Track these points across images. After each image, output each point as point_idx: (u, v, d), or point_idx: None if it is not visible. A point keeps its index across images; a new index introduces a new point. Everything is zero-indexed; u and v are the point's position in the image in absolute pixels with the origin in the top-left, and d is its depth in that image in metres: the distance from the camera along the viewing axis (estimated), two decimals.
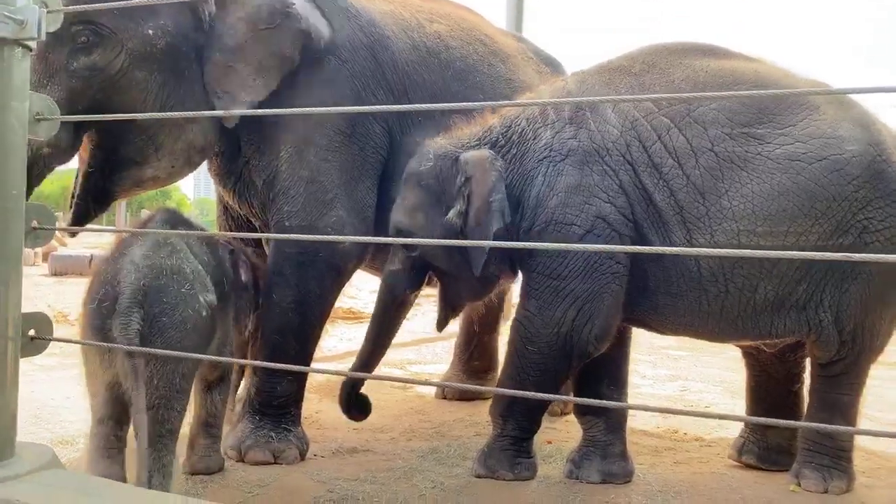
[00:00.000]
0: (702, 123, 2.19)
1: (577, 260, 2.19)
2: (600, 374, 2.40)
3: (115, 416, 1.91)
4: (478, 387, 2.78)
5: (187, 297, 1.87)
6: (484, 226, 2.24)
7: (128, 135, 2.31)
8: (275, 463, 2.37)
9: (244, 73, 2.41)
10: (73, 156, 2.29)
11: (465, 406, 3.37)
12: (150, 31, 2.26)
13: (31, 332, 1.34)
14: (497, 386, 2.46)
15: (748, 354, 2.61)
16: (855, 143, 2.14)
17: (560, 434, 2.96)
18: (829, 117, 2.18)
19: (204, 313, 1.90)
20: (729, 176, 2.14)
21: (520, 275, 2.43)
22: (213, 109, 2.40)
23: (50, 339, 1.41)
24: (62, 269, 7.52)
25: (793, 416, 2.50)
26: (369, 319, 2.55)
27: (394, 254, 2.44)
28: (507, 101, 2.79)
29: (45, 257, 8.69)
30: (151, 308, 1.81)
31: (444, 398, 3.52)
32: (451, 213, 2.30)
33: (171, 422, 1.86)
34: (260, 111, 2.36)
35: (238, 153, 2.60)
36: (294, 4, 2.45)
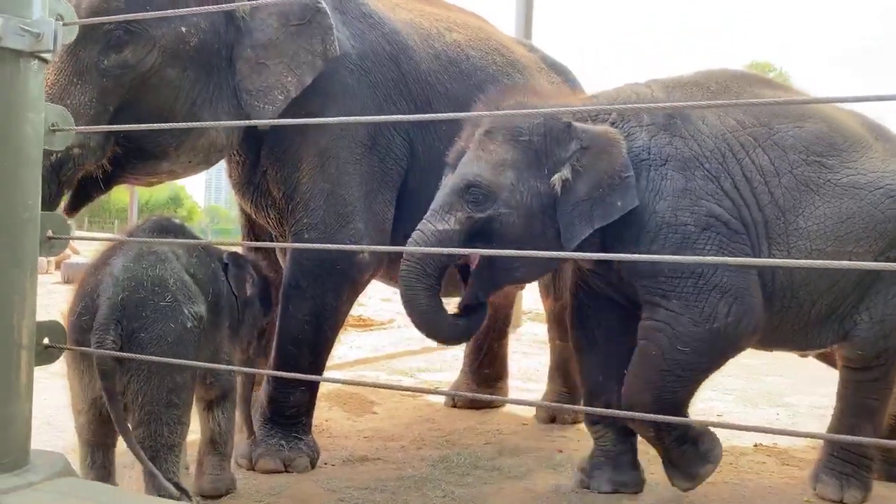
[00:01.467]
0: (782, 147, 2.30)
1: (712, 251, 2.18)
2: (611, 384, 2.37)
3: (99, 437, 1.87)
4: (490, 396, 2.77)
5: (168, 311, 1.79)
6: (609, 200, 2.16)
7: (152, 131, 2.26)
8: (285, 471, 2.38)
9: (276, 69, 2.35)
10: (104, 155, 2.20)
11: (475, 414, 3.37)
12: (183, 29, 2.21)
13: (45, 341, 1.35)
14: (630, 393, 2.25)
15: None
16: None
17: (570, 443, 2.95)
18: (880, 153, 2.40)
19: (189, 325, 1.82)
20: (805, 198, 2.27)
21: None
22: (241, 106, 2.36)
23: (64, 348, 1.43)
24: (75, 276, 7.55)
25: None
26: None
27: (447, 210, 2.17)
28: (533, 109, 2.82)
29: (59, 265, 8.76)
30: (130, 323, 1.74)
31: (454, 406, 3.50)
32: (555, 178, 2.17)
33: (165, 437, 1.79)
34: (283, 121, 2.33)
35: (258, 163, 2.58)
36: (322, 2, 2.39)
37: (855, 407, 2.37)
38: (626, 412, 2.36)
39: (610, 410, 2.32)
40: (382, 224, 2.60)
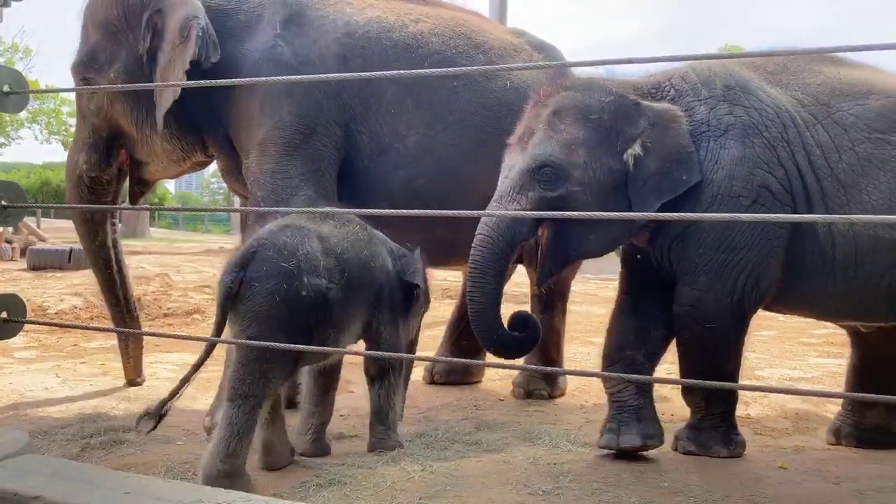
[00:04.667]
0: (842, 125, 2.34)
1: (747, 229, 2.25)
2: (639, 344, 2.43)
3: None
4: (471, 360, 2.82)
5: (285, 272, 1.97)
6: (676, 174, 2.26)
7: (136, 146, 3.02)
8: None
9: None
10: (109, 165, 3.06)
11: (453, 390, 3.36)
12: (112, 75, 2.88)
13: (4, 315, 1.30)
14: (686, 377, 2.39)
15: (855, 335, 2.67)
16: None
17: (547, 417, 2.96)
18: None
19: (304, 293, 1.99)
20: (868, 174, 2.30)
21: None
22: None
23: (24, 322, 1.37)
24: (40, 263, 7.37)
25: None
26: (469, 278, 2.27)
27: (518, 191, 2.23)
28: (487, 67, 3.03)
29: (24, 252, 8.53)
30: (250, 272, 1.97)
31: (433, 383, 3.51)
32: (629, 153, 2.25)
33: (247, 384, 1.95)
34: (222, 81, 2.68)
35: (233, 152, 2.96)
36: (197, 16, 2.71)
37: None
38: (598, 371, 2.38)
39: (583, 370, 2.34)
40: (332, 198, 2.80)
